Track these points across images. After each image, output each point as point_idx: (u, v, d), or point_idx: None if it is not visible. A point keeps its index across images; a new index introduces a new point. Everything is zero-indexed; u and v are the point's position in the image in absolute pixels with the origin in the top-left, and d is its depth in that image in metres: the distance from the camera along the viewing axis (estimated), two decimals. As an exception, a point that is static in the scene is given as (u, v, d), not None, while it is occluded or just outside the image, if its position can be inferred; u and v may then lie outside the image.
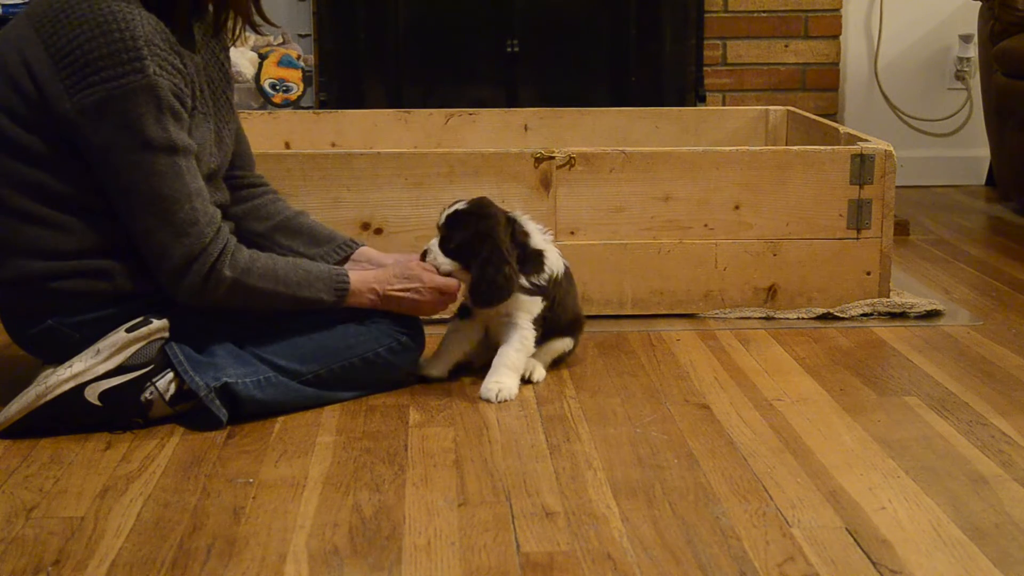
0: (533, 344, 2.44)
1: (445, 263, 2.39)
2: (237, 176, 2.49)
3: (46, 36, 2.13)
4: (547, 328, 2.48)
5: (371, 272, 2.39)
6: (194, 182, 2.18)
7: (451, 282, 2.39)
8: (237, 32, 2.31)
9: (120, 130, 2.11)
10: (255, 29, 2.38)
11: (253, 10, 2.34)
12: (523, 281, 2.41)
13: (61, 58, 2.11)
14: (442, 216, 2.42)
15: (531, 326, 2.43)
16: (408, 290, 2.38)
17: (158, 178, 2.14)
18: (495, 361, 2.42)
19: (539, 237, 2.47)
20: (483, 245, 2.36)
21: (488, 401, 2.36)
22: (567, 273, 2.52)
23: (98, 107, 2.10)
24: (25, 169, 2.16)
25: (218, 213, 2.23)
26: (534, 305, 2.43)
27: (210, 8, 2.28)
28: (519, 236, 2.43)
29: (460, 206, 2.41)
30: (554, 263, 2.46)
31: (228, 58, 2.42)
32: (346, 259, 2.50)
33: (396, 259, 2.47)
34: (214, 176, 2.32)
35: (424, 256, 2.41)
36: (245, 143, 2.52)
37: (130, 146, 2.12)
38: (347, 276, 2.34)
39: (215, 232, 2.19)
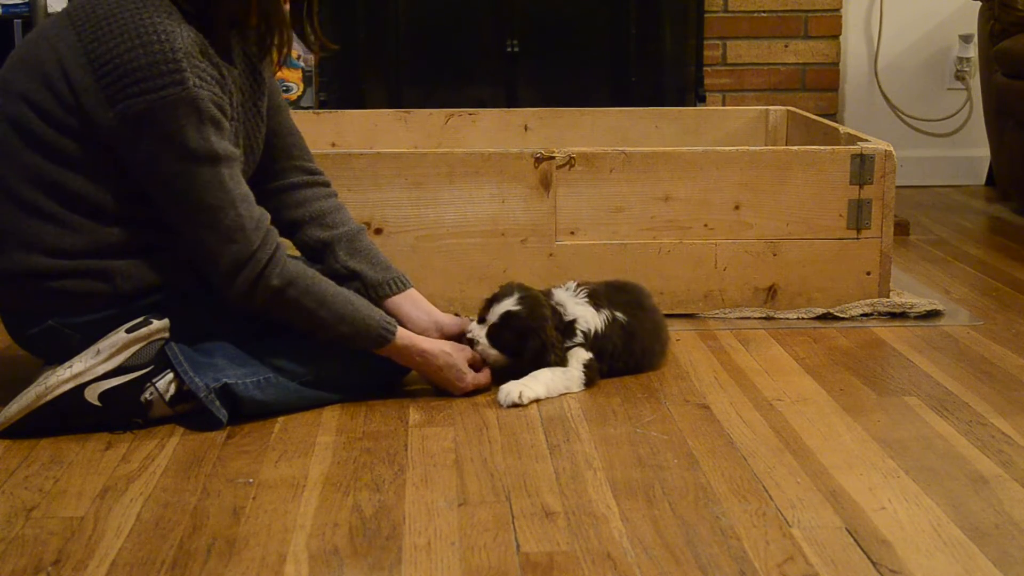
0: (578, 383, 2.43)
1: (493, 355, 2.42)
2: (298, 168, 2.48)
3: (87, 42, 2.13)
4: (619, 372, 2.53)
5: (425, 341, 2.36)
6: (238, 188, 2.18)
7: (486, 383, 2.41)
8: (284, 53, 2.28)
9: (162, 142, 2.12)
10: (311, 49, 2.38)
11: (308, 30, 2.33)
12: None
13: (100, 66, 2.12)
14: (493, 312, 2.42)
15: (580, 367, 2.44)
16: (447, 380, 2.38)
17: (202, 188, 2.15)
18: (532, 373, 2.42)
19: (571, 306, 2.47)
20: (532, 341, 2.40)
21: (502, 401, 2.35)
22: (620, 325, 2.50)
23: (139, 119, 2.11)
24: (44, 165, 2.17)
25: (265, 217, 2.23)
26: (577, 354, 2.44)
27: (256, 28, 2.26)
28: (558, 321, 2.45)
29: (512, 307, 2.41)
30: (589, 322, 2.46)
31: (270, 63, 2.39)
32: (396, 294, 2.45)
33: (449, 322, 2.45)
34: None
35: (471, 343, 2.42)
36: (297, 135, 2.51)
37: (173, 158, 2.13)
38: (395, 330, 2.31)
39: (263, 237, 2.20)
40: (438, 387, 2.41)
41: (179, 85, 2.10)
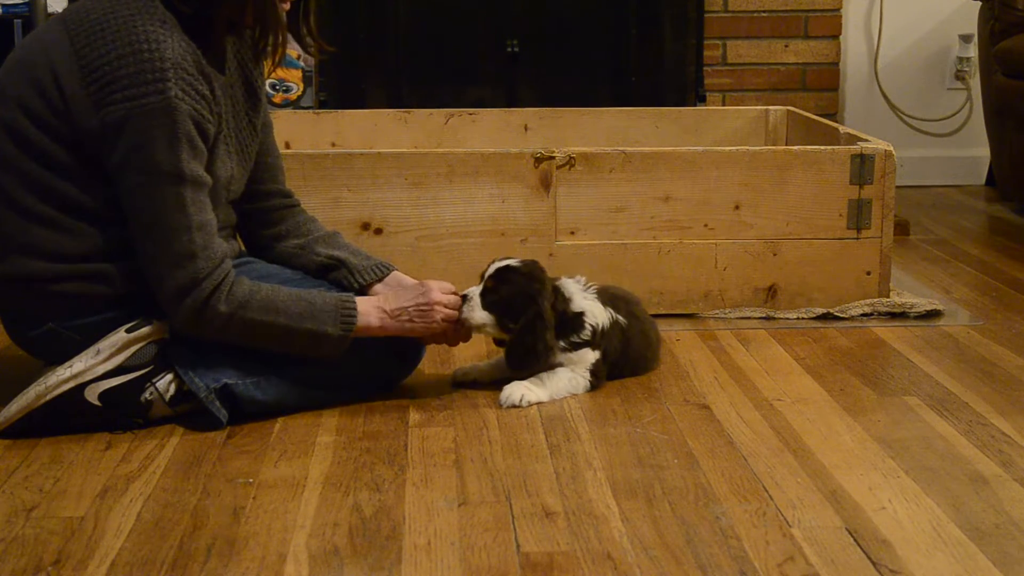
0: (582, 388, 2.42)
1: (480, 316, 2.35)
2: (278, 192, 2.48)
3: (80, 47, 2.13)
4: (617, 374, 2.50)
5: (378, 297, 2.33)
6: (198, 215, 2.15)
7: (456, 305, 2.34)
8: (279, 56, 2.27)
9: (132, 151, 2.11)
10: (307, 51, 2.37)
11: (304, 31, 2.32)
12: (562, 343, 2.39)
13: (90, 72, 2.11)
14: (490, 267, 2.38)
15: (586, 373, 2.42)
16: (422, 320, 2.31)
17: (159, 205, 2.13)
18: (535, 375, 2.40)
19: (579, 298, 2.43)
20: (527, 307, 2.34)
21: (503, 402, 2.34)
22: (620, 328, 2.47)
23: (117, 125, 2.10)
24: (39, 170, 2.16)
25: (221, 248, 2.19)
26: (586, 355, 2.42)
27: (253, 31, 2.26)
28: (560, 304, 2.40)
29: (511, 262, 2.38)
30: (597, 317, 2.42)
31: (261, 76, 2.40)
32: (379, 281, 2.43)
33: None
34: (231, 200, 2.33)
35: (463, 299, 2.35)
36: (278, 156, 2.51)
37: (138, 169, 2.11)
38: (355, 305, 2.26)
39: (212, 268, 2.16)
40: (420, 334, 2.35)
41: (160, 95, 2.09)
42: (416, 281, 2.41)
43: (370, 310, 2.28)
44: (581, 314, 2.42)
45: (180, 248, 2.14)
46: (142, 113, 2.09)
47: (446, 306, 2.33)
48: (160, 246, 2.15)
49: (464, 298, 2.36)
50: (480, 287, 2.37)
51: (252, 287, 2.21)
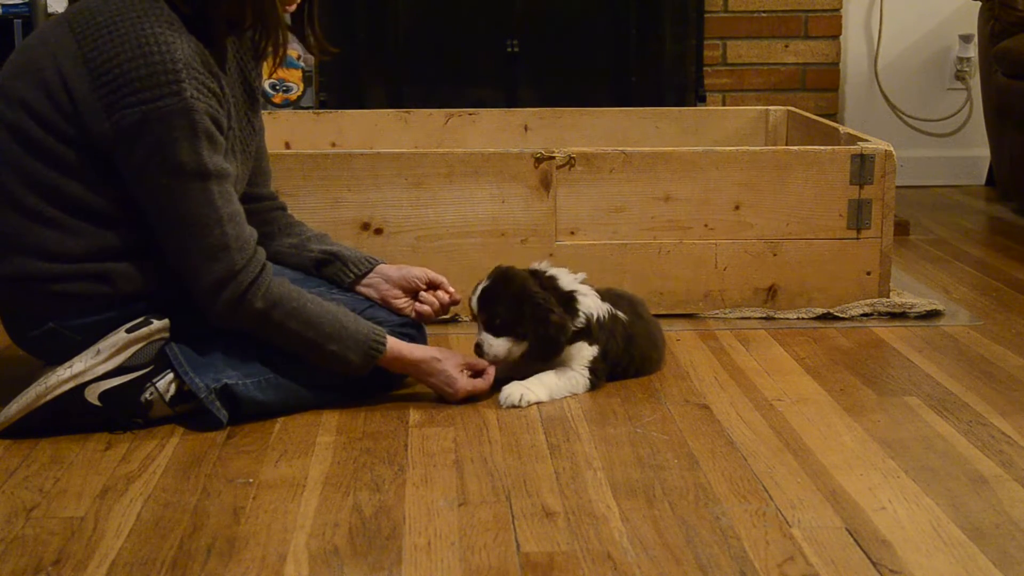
0: (582, 387, 2.41)
1: (500, 347, 2.35)
2: (260, 195, 2.49)
3: (87, 50, 2.13)
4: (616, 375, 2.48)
5: (414, 350, 2.33)
6: (227, 207, 2.17)
7: (484, 388, 2.36)
8: (280, 57, 2.27)
9: (153, 153, 2.11)
10: (312, 53, 2.37)
11: (309, 33, 2.32)
12: None
13: (100, 75, 2.11)
14: (473, 301, 2.38)
15: (584, 371, 2.41)
16: (437, 387, 2.36)
17: (188, 203, 2.14)
18: (535, 375, 2.40)
19: (567, 279, 2.42)
20: (523, 307, 2.34)
21: (502, 402, 2.34)
22: (622, 324, 2.46)
23: (134, 128, 2.10)
24: (44, 171, 2.16)
25: (254, 237, 2.22)
26: (582, 351, 2.41)
27: (251, 29, 2.27)
28: (546, 283, 2.38)
29: (484, 284, 2.38)
30: (590, 304, 2.41)
31: (259, 76, 2.40)
32: (371, 269, 2.46)
33: (420, 274, 2.46)
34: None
35: (479, 350, 2.36)
36: (268, 160, 2.52)
37: (162, 170, 2.12)
38: (385, 342, 2.28)
39: (247, 259, 2.18)
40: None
41: (176, 96, 2.10)
42: (422, 270, 2.46)
43: (394, 362, 2.31)
44: (572, 295, 2.40)
45: (213, 241, 2.15)
46: (160, 116, 2.10)
47: (471, 391, 2.35)
48: (193, 242, 2.16)
49: (478, 346, 2.36)
50: (481, 328, 2.37)
51: (290, 291, 2.23)
